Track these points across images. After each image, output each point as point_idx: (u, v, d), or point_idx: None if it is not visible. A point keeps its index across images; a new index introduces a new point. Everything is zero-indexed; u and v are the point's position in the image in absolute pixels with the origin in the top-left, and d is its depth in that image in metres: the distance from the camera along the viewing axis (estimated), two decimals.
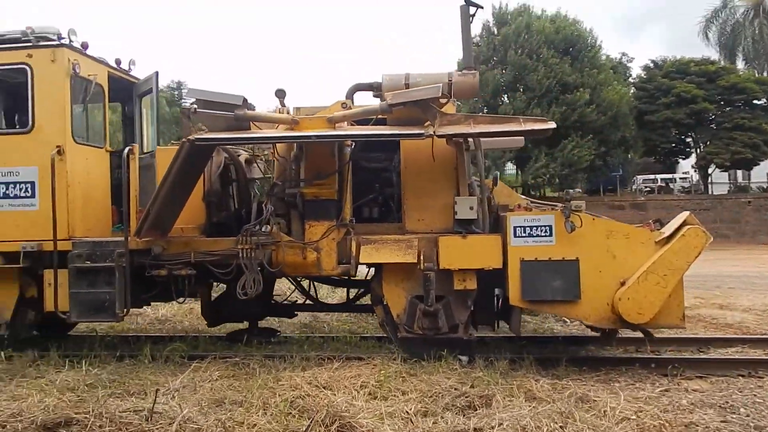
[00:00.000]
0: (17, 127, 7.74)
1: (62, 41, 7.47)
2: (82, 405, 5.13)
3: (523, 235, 6.78)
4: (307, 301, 8.80)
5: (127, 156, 7.24)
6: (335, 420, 4.75)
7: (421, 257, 6.92)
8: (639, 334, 7.20)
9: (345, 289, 8.87)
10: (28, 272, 7.47)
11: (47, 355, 7.28)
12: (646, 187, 41.97)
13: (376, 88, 7.64)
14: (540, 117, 7.00)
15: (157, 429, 4.68)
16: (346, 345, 7.99)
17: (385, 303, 7.27)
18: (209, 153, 7.20)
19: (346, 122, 7.18)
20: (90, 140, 8.03)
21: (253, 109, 7.19)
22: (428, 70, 7.71)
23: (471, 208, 6.97)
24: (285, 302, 8.78)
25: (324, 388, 5.70)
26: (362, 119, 7.22)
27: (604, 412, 5.11)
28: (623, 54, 47.82)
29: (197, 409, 5.14)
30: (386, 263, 7.15)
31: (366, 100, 7.90)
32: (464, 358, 6.86)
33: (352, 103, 7.57)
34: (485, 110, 36.88)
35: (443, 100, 6.99)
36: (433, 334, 7.07)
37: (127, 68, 8.82)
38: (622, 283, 6.60)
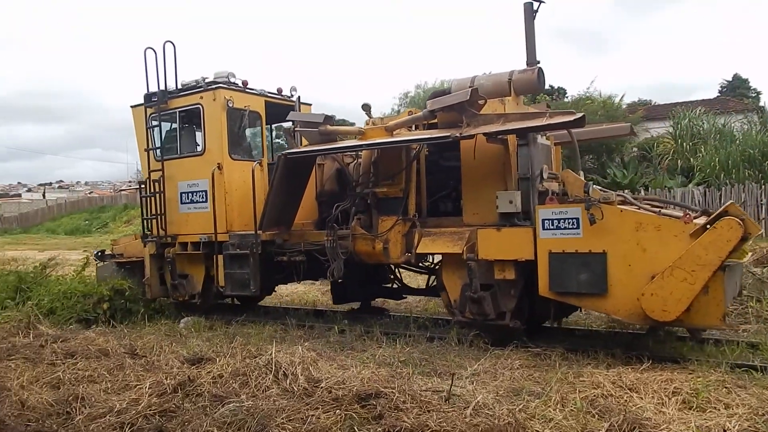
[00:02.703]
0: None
1: (222, 83, 9.88)
2: (390, 380, 5.38)
3: (551, 227, 6.88)
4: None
5: (253, 169, 9.33)
6: (634, 427, 4.40)
7: (465, 248, 7.51)
8: None
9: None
10: (210, 257, 10.12)
11: (372, 331, 8.31)
12: None
13: (448, 93, 8.33)
14: (569, 110, 6.94)
15: (453, 410, 4.70)
16: (658, 344, 7.45)
17: (445, 289, 8.03)
18: (307, 163, 8.85)
19: (404, 128, 8.12)
20: (248, 156, 10.35)
21: (334, 124, 8.60)
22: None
23: (510, 202, 7.28)
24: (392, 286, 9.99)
25: (629, 389, 5.31)
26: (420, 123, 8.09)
27: None
28: None
29: (493, 396, 5.19)
30: (444, 253, 7.90)
31: None
32: None
33: None
34: None
35: (481, 102, 7.44)
36: (482, 320, 7.59)
37: (288, 95, 10.96)
38: (653, 278, 6.28)
